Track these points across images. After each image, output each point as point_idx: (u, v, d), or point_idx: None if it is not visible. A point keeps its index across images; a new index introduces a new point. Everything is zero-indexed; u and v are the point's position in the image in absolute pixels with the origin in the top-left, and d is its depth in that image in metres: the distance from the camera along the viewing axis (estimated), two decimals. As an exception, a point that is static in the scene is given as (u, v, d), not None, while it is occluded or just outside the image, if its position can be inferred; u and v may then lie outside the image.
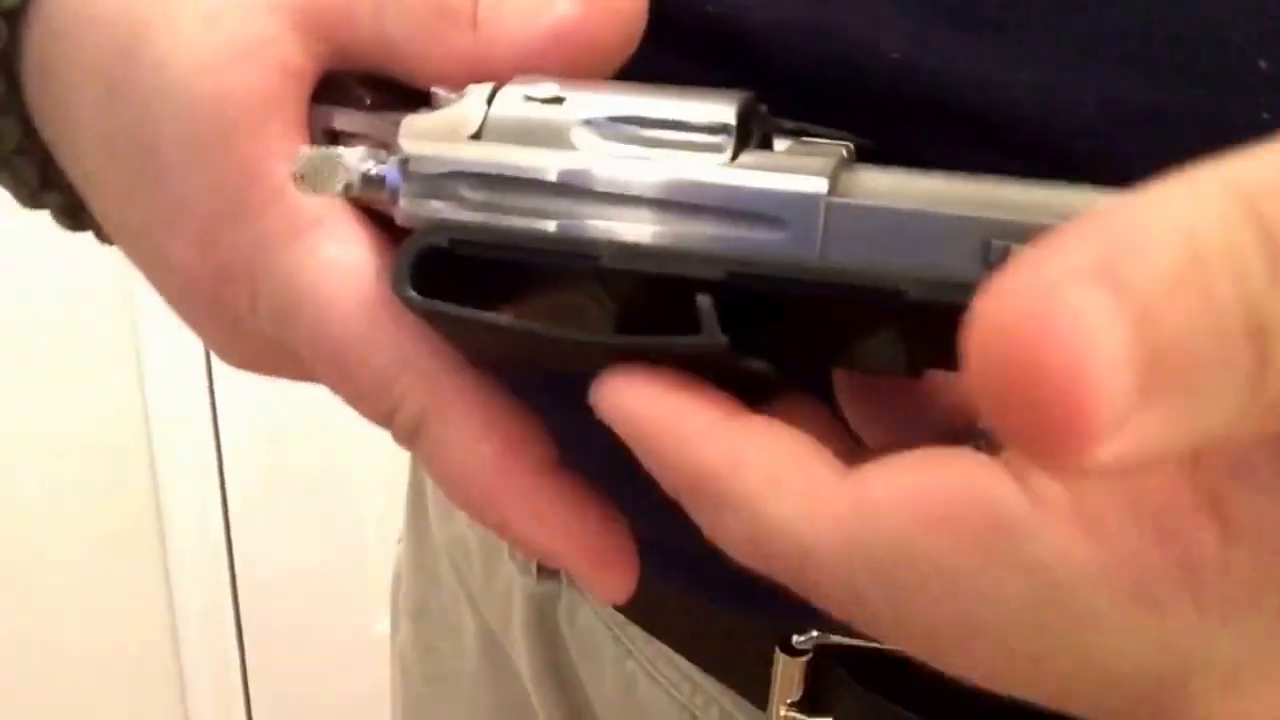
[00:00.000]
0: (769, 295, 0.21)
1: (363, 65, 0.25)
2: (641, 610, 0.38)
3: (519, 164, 0.22)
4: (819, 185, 0.20)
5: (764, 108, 0.23)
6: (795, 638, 0.33)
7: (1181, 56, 0.24)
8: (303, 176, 0.23)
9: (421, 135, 0.22)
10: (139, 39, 0.25)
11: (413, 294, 0.22)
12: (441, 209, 0.22)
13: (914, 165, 0.21)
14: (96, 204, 0.29)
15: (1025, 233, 0.19)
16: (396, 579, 0.53)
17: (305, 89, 0.25)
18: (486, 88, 0.23)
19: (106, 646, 1.34)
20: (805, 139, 0.24)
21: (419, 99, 0.24)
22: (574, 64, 0.24)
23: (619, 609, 0.39)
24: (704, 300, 0.20)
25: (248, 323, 0.26)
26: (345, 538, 1.36)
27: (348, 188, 0.23)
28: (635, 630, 0.39)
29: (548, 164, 0.21)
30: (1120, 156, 0.24)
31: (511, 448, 0.24)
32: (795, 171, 0.20)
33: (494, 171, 0.22)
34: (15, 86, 0.28)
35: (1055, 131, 0.25)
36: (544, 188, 0.21)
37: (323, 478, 1.34)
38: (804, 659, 0.33)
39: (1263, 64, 0.23)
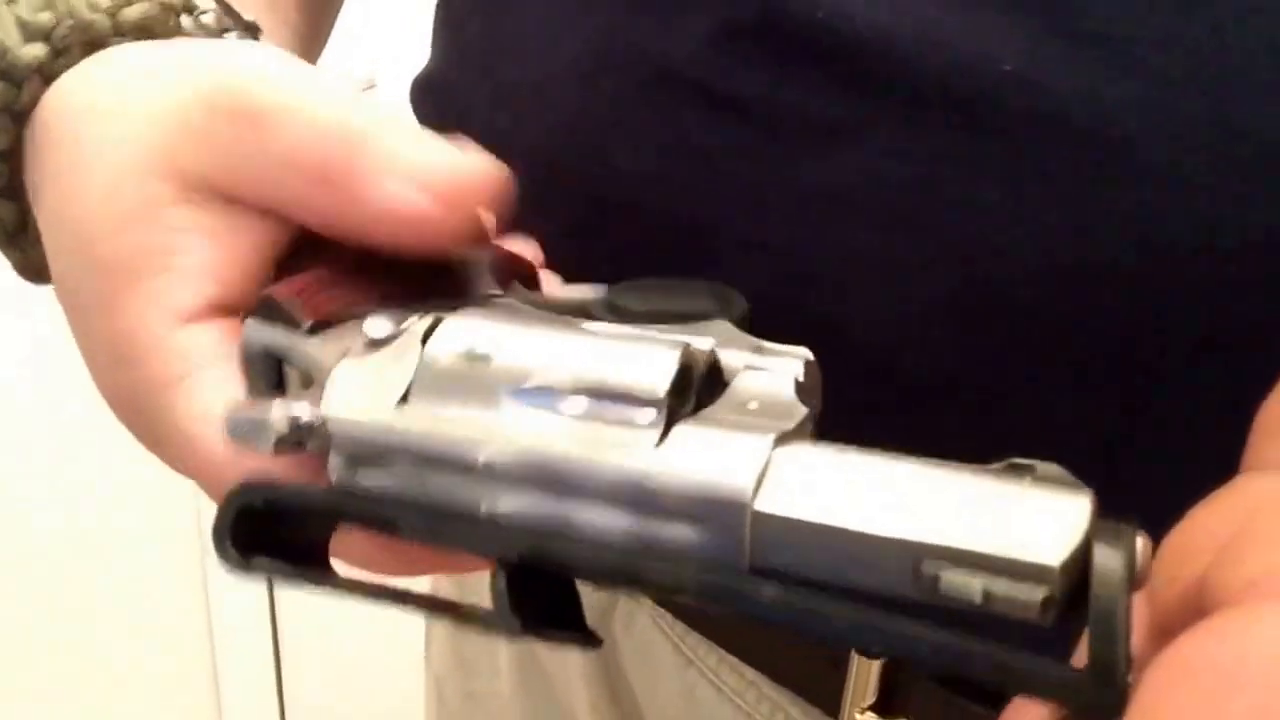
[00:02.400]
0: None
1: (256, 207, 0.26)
2: (704, 617, 0.38)
3: (441, 448, 0.21)
4: (744, 491, 0.19)
5: (724, 323, 0.23)
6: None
7: None
8: (233, 434, 0.23)
9: (348, 395, 0.22)
10: (63, 199, 0.27)
11: (230, 553, 0.22)
12: (368, 479, 0.22)
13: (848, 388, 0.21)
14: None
15: (957, 558, 0.18)
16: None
17: (201, 238, 0.26)
18: (421, 329, 0.23)
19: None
20: (762, 349, 0.23)
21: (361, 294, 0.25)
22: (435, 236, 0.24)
23: (680, 616, 0.39)
24: (499, 580, 0.20)
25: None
26: None
27: (280, 442, 0.23)
28: (696, 638, 0.39)
29: (472, 449, 0.21)
30: (1230, 176, 0.25)
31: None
32: (724, 463, 0.19)
33: (415, 450, 0.21)
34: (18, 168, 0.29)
35: (1166, 151, 0.25)
36: (467, 470, 0.21)
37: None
38: (879, 660, 0.33)
39: None
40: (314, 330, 0.24)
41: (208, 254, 0.26)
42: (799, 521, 0.19)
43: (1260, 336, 0.26)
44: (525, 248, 0.31)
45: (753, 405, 0.21)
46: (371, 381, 0.22)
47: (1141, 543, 0.18)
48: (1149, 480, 0.29)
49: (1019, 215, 0.27)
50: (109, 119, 0.27)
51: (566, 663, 0.44)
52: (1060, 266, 0.27)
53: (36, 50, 0.28)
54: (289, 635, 1.40)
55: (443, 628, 0.52)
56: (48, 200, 0.28)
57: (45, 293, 0.31)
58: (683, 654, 0.39)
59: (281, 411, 0.22)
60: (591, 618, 0.42)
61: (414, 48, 0.43)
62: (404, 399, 0.22)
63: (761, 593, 0.19)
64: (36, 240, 0.30)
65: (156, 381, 0.26)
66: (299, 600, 1.38)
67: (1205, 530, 0.18)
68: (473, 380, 0.22)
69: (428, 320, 0.23)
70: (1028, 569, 0.17)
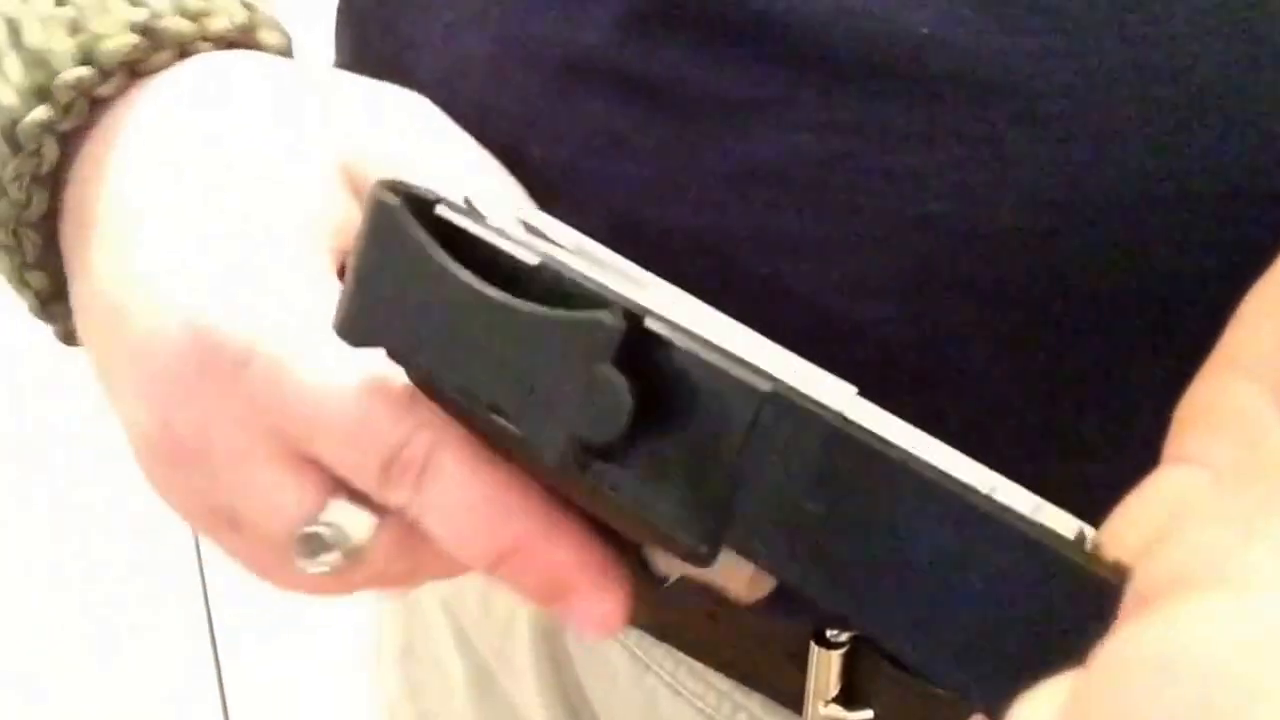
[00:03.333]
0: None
1: None
2: (657, 621, 0.37)
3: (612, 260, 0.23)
4: None
5: None
6: (829, 631, 0.32)
7: (1217, 20, 0.24)
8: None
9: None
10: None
11: (387, 196, 0.23)
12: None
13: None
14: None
15: None
16: (377, 626, 0.52)
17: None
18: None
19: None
20: None
21: None
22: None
23: (632, 621, 0.38)
24: (617, 307, 0.21)
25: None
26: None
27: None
28: (651, 643, 0.38)
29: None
30: (1156, 125, 0.24)
31: (515, 473, 0.26)
32: None
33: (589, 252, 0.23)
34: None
35: (1087, 103, 0.25)
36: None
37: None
38: (840, 651, 0.32)
39: None
40: None
41: None
42: None
43: (1193, 287, 0.26)
44: None
45: None
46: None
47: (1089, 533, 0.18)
48: (1089, 442, 0.28)
49: (941, 180, 0.26)
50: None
51: (520, 675, 0.43)
52: (985, 230, 0.26)
53: (40, 113, 0.28)
54: (230, 666, 1.37)
55: (390, 653, 0.50)
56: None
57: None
58: (639, 661, 0.39)
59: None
60: (542, 628, 0.42)
61: (323, 52, 0.42)
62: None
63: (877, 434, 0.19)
64: (68, 306, 0.30)
65: None
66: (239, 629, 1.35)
67: (1131, 525, 0.18)
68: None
69: None
70: None
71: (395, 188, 0.23)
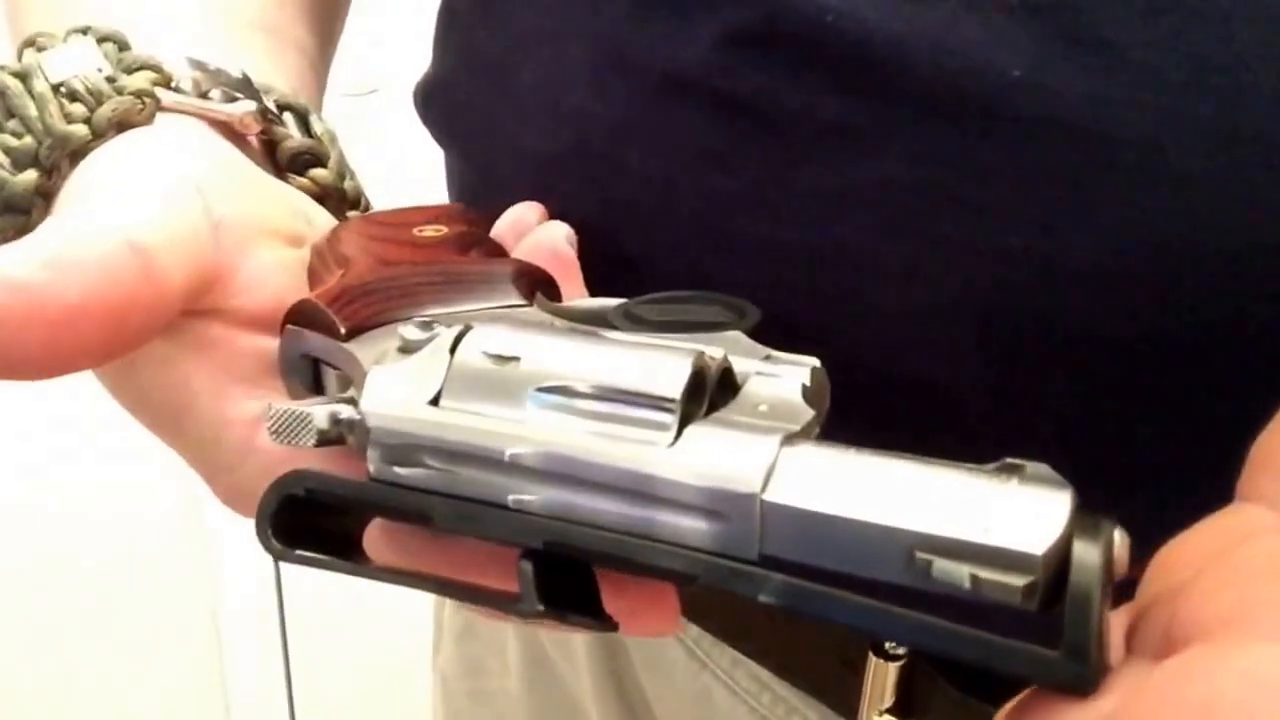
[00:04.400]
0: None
1: None
2: (717, 619, 0.38)
3: (471, 444, 0.22)
4: (754, 483, 0.20)
5: (737, 332, 0.25)
6: (887, 643, 0.33)
7: None
8: (276, 431, 0.24)
9: (385, 395, 0.24)
10: None
11: (272, 544, 0.23)
12: (403, 475, 0.23)
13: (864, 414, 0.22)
14: None
15: (947, 547, 0.19)
16: (439, 604, 0.53)
17: None
18: (451, 335, 0.24)
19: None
20: (772, 357, 0.24)
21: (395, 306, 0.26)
22: None
23: (692, 618, 0.39)
24: (525, 566, 0.22)
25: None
26: None
27: (321, 436, 0.24)
28: (710, 641, 0.39)
29: (499, 445, 0.22)
30: (1236, 178, 0.25)
31: None
32: (736, 459, 0.21)
33: (447, 445, 0.23)
34: None
35: (1173, 154, 0.25)
36: (496, 465, 0.22)
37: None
38: (898, 664, 0.33)
39: None
40: (349, 336, 0.26)
41: None
42: (803, 511, 0.20)
43: (1266, 339, 0.26)
44: (555, 229, 0.31)
45: (762, 408, 0.22)
46: (406, 382, 0.24)
47: (1119, 536, 0.19)
48: (1153, 484, 0.29)
49: (1025, 218, 0.26)
50: None
51: (576, 661, 0.44)
52: (1066, 270, 0.26)
53: (30, 177, 0.29)
54: (297, 637, 1.40)
55: (451, 630, 0.52)
56: None
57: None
58: (696, 658, 0.39)
59: (323, 409, 0.24)
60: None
61: (415, 54, 0.43)
62: (436, 399, 0.23)
63: (770, 579, 0.20)
64: None
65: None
66: (306, 602, 1.38)
67: (1192, 550, 0.19)
68: (500, 381, 0.23)
69: (457, 328, 0.24)
70: (1012, 558, 0.19)
71: (264, 521, 0.24)
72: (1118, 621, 0.19)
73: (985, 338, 0.28)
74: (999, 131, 0.26)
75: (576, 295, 0.30)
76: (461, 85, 0.37)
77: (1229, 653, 0.16)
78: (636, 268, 0.32)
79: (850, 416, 0.24)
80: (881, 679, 0.33)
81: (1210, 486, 0.20)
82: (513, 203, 0.35)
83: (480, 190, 0.38)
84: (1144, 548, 0.20)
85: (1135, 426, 0.28)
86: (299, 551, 0.23)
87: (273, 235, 0.29)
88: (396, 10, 0.64)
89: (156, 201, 0.26)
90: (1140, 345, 0.27)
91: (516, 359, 0.23)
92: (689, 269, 0.31)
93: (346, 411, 0.24)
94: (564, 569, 0.22)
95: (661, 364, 0.22)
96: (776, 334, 0.29)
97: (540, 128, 0.33)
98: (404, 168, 0.66)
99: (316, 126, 0.33)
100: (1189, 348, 0.27)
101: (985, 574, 0.19)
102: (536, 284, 0.29)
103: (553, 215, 0.33)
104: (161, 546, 1.32)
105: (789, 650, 0.37)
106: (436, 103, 0.39)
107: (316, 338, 0.26)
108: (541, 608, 0.21)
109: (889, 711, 0.33)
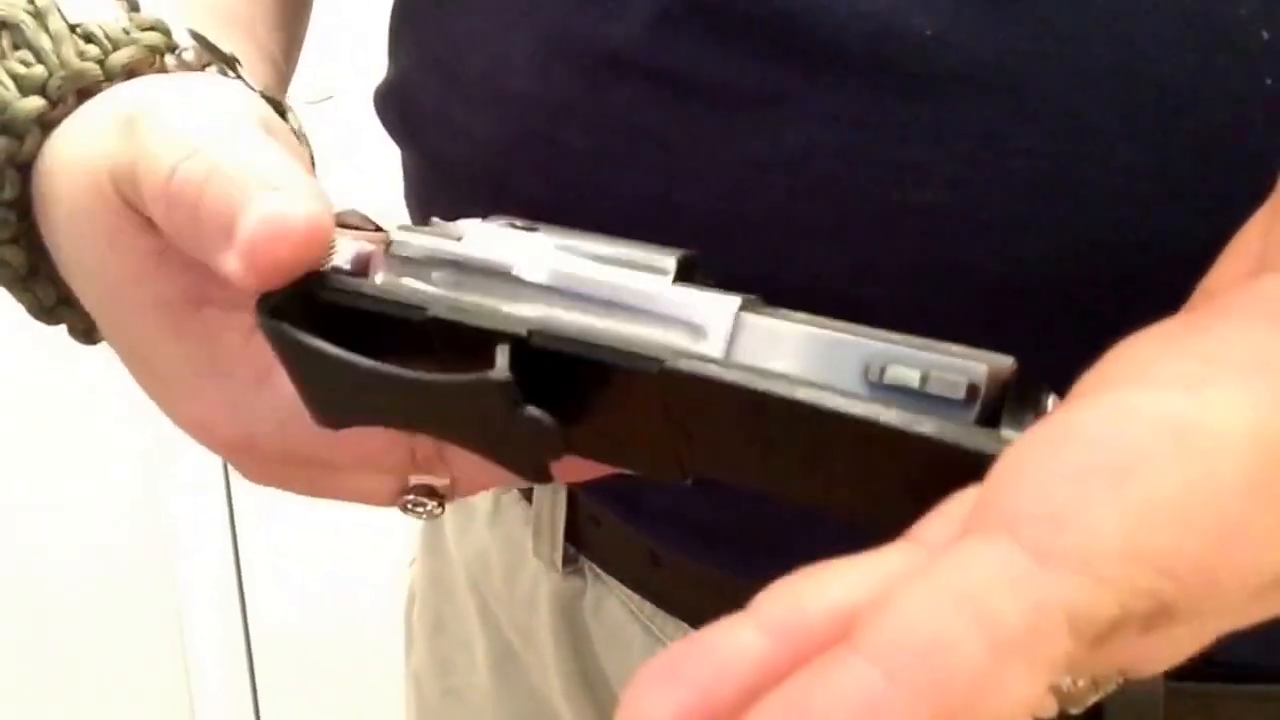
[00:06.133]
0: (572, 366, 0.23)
1: None
2: (671, 595, 0.39)
3: (487, 257, 0.25)
4: (734, 301, 0.23)
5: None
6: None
7: (1190, 29, 0.26)
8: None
9: (413, 231, 0.26)
10: (71, 250, 0.30)
11: (267, 319, 0.25)
12: (410, 284, 0.25)
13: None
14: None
15: (903, 357, 0.22)
16: (410, 599, 0.54)
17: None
18: (476, 219, 0.26)
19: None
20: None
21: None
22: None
23: (648, 595, 0.40)
24: (503, 348, 0.23)
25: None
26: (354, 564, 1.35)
27: (333, 269, 0.26)
28: (664, 618, 0.40)
29: (511, 260, 0.25)
30: (1138, 123, 0.27)
31: None
32: (718, 294, 0.24)
33: (461, 259, 0.25)
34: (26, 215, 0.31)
35: (1077, 102, 0.27)
36: (503, 278, 0.25)
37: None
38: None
39: (1265, 34, 0.26)
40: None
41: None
42: (771, 324, 0.23)
43: (1184, 282, 0.28)
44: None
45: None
46: (434, 231, 0.26)
47: (1052, 400, 0.21)
48: None
49: (942, 172, 0.28)
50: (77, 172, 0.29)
51: (542, 652, 0.45)
52: (982, 219, 0.28)
53: (35, 103, 0.30)
54: (260, 636, 1.39)
55: (422, 627, 0.52)
56: (62, 250, 0.30)
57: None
58: (652, 634, 0.40)
59: (346, 242, 0.26)
60: (561, 604, 0.43)
61: (371, 60, 0.44)
62: (458, 239, 0.26)
63: (726, 366, 0.22)
64: (46, 282, 0.32)
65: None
66: (270, 598, 1.37)
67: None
68: (519, 239, 0.26)
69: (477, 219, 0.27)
70: (959, 367, 0.21)
71: (268, 300, 0.25)
72: None
73: (908, 291, 0.29)
74: (915, 90, 0.28)
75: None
76: (415, 85, 0.39)
77: (1117, 396, 0.18)
78: None
79: None
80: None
81: None
82: (467, 194, 0.37)
83: (434, 185, 0.39)
84: None
85: (1052, 370, 0.30)
86: (298, 333, 0.24)
87: None
88: (353, 16, 0.65)
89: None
90: (1058, 291, 0.28)
91: (534, 227, 0.26)
92: (635, 239, 0.33)
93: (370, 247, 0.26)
94: (538, 381, 0.23)
95: (660, 249, 0.25)
96: None
97: (487, 115, 0.35)
98: (356, 172, 0.67)
99: (292, 122, 0.35)
100: (1101, 293, 0.28)
101: (934, 373, 0.21)
102: None
103: (503, 200, 0.34)
104: (121, 547, 1.31)
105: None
106: (394, 104, 0.40)
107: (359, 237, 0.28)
108: (508, 375, 0.23)
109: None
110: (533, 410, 0.23)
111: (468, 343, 0.24)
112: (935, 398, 0.21)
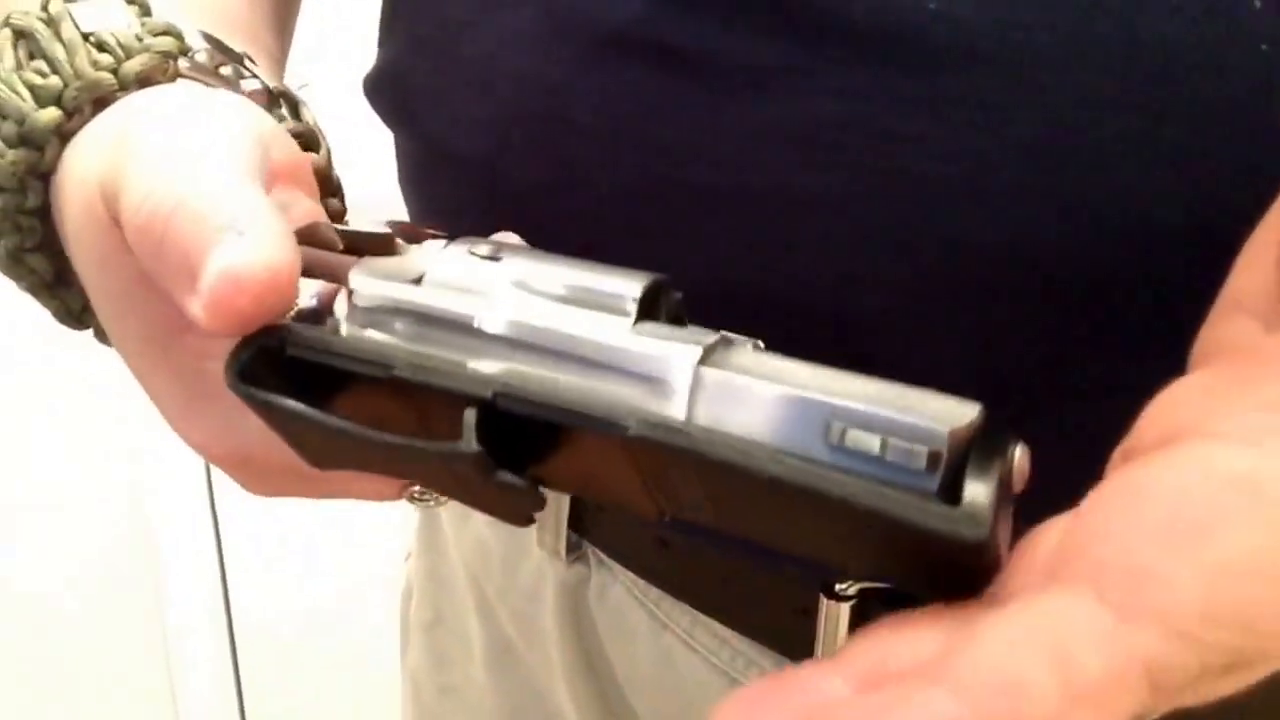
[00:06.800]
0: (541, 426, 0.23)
1: None
2: (675, 579, 0.39)
3: (446, 308, 0.25)
4: (694, 354, 0.23)
5: (678, 295, 0.26)
6: (838, 585, 0.34)
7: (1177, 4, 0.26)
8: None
9: (371, 274, 0.26)
10: (82, 261, 0.30)
11: (236, 382, 0.24)
12: (373, 337, 0.25)
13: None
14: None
15: (864, 420, 0.21)
16: (406, 596, 0.54)
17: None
18: (441, 243, 0.26)
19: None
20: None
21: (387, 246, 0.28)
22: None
23: (654, 580, 0.40)
24: (470, 414, 0.23)
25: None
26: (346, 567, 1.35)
27: (298, 314, 0.26)
28: (669, 602, 0.40)
29: (472, 311, 0.24)
30: (1138, 93, 0.27)
31: None
32: (679, 342, 0.23)
33: (420, 310, 0.25)
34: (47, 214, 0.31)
35: (1078, 73, 0.27)
36: (465, 330, 0.24)
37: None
38: (849, 604, 0.34)
39: (1257, 3, 0.26)
40: (345, 252, 0.27)
41: None
42: (733, 381, 0.22)
43: (1181, 249, 0.28)
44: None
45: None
46: (392, 270, 0.26)
47: (1020, 450, 0.21)
48: (1084, 408, 0.30)
49: (943, 143, 0.28)
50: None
51: (546, 644, 0.45)
52: (984, 190, 0.28)
53: (52, 114, 0.30)
54: (246, 642, 1.38)
55: (420, 623, 0.52)
56: (74, 261, 0.30)
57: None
58: (657, 619, 0.40)
59: (307, 290, 0.26)
60: (565, 593, 0.43)
61: (348, 48, 0.43)
62: (418, 280, 0.25)
63: (692, 429, 0.22)
64: (73, 289, 0.32)
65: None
66: (255, 597, 1.37)
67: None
68: (480, 273, 0.25)
69: (443, 240, 0.26)
70: (921, 432, 0.20)
71: (236, 360, 0.24)
72: None
73: (910, 262, 0.29)
74: (916, 63, 0.28)
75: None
76: (409, 68, 0.38)
77: (1189, 452, 0.19)
78: (583, 223, 0.33)
79: (778, 349, 0.25)
80: (834, 621, 0.34)
81: (1138, 397, 0.22)
82: (462, 175, 0.36)
83: (429, 166, 0.39)
84: (1045, 470, 0.21)
85: (1052, 335, 0.30)
86: (268, 396, 0.24)
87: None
88: (330, 5, 0.65)
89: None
90: (1062, 263, 0.28)
91: (496, 258, 0.25)
92: (632, 222, 0.33)
93: (322, 296, 0.25)
94: (507, 435, 0.23)
95: (623, 275, 0.25)
96: (717, 278, 0.31)
97: (488, 95, 0.35)
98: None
99: (307, 115, 0.34)
100: (1105, 264, 0.28)
101: (895, 442, 0.20)
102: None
103: (503, 179, 0.35)
104: (105, 545, 1.31)
105: (745, 604, 0.38)
106: (386, 89, 0.40)
107: (317, 254, 0.27)
108: (478, 448, 0.22)
109: (843, 652, 0.35)
110: (506, 476, 0.23)
111: (438, 395, 0.24)
112: (895, 464, 0.20)
